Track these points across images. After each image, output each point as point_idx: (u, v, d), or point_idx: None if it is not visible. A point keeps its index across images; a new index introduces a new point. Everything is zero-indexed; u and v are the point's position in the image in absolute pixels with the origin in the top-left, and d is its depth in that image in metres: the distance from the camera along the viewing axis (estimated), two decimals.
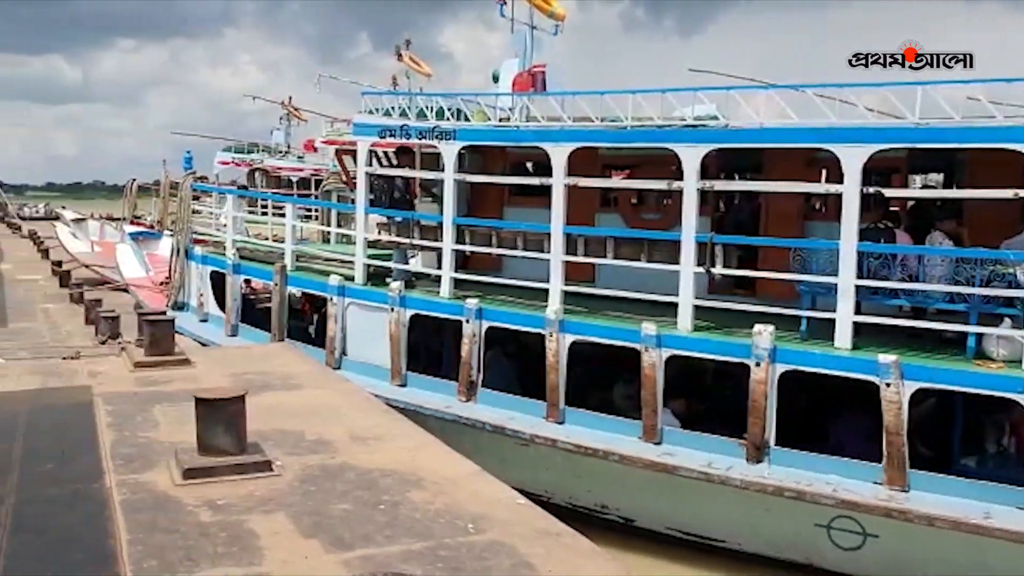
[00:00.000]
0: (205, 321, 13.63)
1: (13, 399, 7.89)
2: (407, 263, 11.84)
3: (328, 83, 20.99)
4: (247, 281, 13.81)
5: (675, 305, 9.21)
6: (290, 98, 31.21)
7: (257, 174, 27.86)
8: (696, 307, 9.13)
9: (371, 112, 11.72)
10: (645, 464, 8.63)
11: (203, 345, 12.44)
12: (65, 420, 7.18)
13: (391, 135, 11.24)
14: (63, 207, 55.51)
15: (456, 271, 10.95)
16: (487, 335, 10.19)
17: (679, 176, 9.32)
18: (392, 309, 10.76)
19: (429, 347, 11.53)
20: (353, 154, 16.81)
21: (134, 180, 25.45)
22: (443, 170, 10.86)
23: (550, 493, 9.29)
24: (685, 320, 9.04)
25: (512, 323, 10.05)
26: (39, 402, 7.83)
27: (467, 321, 10.13)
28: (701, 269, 9.00)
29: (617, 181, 11.36)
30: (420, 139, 11.10)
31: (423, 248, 11.58)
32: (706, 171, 9.13)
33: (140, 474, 5.65)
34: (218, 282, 13.42)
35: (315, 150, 28.52)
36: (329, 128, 19.73)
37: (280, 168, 28.31)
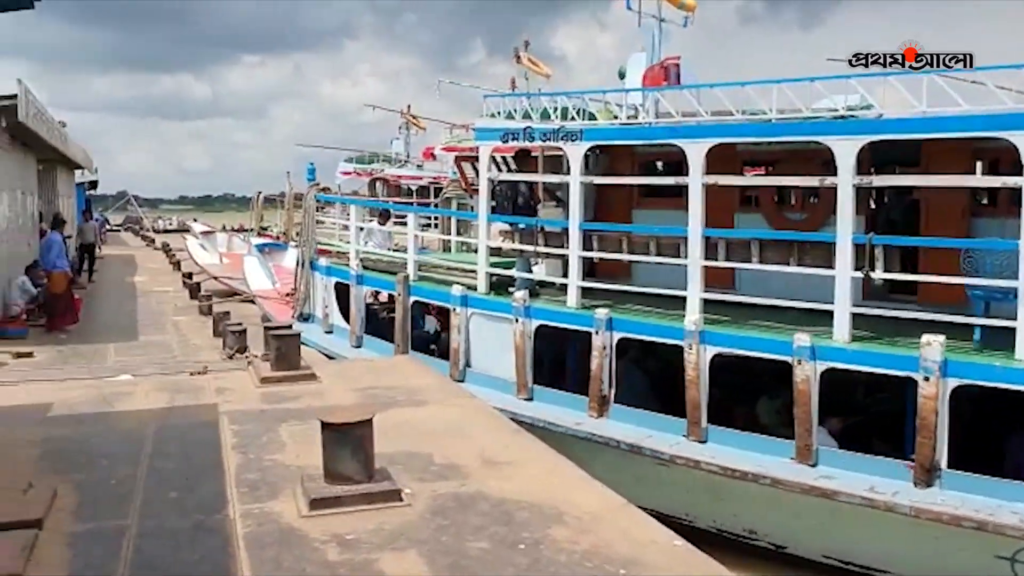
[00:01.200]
0: (330, 332, 13.54)
1: (141, 418, 7.83)
2: (531, 272, 11.40)
3: (445, 91, 20.86)
4: (376, 292, 13.71)
5: (821, 313, 8.41)
6: (408, 107, 31.37)
7: (378, 184, 28.07)
8: (851, 315, 8.29)
9: (493, 116, 11.34)
10: (801, 488, 7.86)
11: (328, 358, 12.31)
12: (191, 441, 7.01)
13: (514, 138, 10.82)
14: (194, 219, 57.80)
15: (583, 279, 10.45)
16: (618, 347, 9.62)
17: (826, 171, 8.52)
18: (516, 320, 10.32)
19: (554, 357, 11.06)
20: (472, 160, 16.58)
21: (260, 193, 26.14)
22: (568, 173, 10.35)
23: (692, 517, 8.65)
24: (842, 330, 8.20)
25: (646, 334, 9.44)
26: (166, 421, 7.73)
27: (596, 332, 9.57)
28: (859, 273, 8.16)
29: (763, 179, 10.56)
30: (544, 141, 10.65)
31: (548, 256, 11.11)
32: (859, 165, 8.29)
33: (265, 503, 5.36)
34: (342, 293, 13.32)
35: (433, 158, 28.45)
36: (448, 135, 19.48)
37: (400, 177, 28.39)
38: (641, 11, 12.20)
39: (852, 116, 8.52)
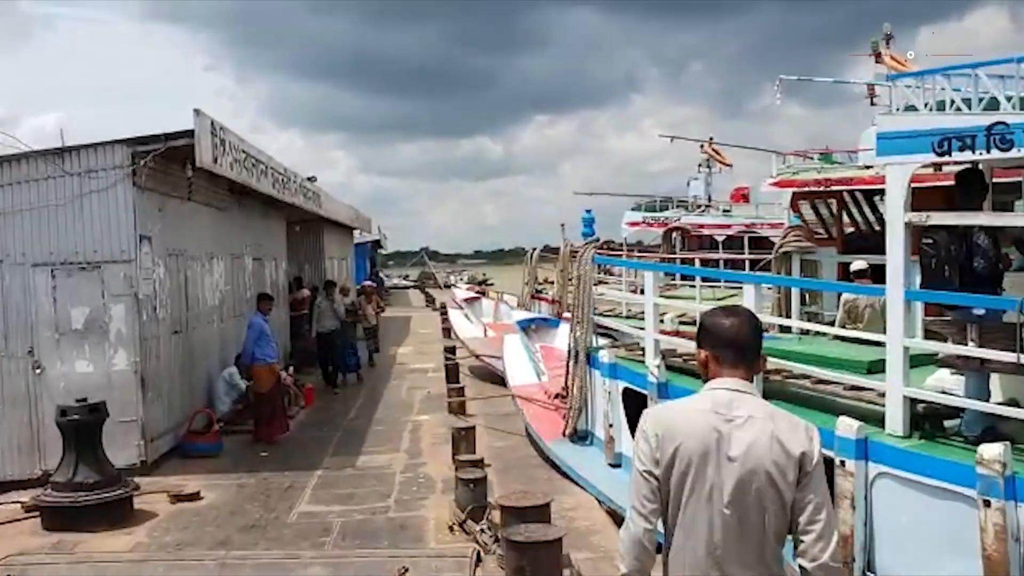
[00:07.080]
0: (617, 467, 8.85)
1: None
2: (989, 397, 6.04)
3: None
4: None
5: None
6: (711, 139, 26.14)
7: (674, 235, 23.13)
8: None
9: (907, 111, 6.30)
10: None
11: (610, 514, 7.72)
12: None
13: (962, 147, 5.68)
14: (484, 275, 55.89)
15: None
16: None
17: None
18: (985, 502, 5.09)
19: None
20: (818, 198, 11.57)
21: (535, 249, 22.33)
22: None
23: None
24: None
25: None
26: None
27: None
28: None
29: None
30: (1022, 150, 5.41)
31: None
32: None
33: None
34: (636, 404, 8.62)
35: (745, 200, 23.19)
36: (782, 165, 14.45)
37: (702, 226, 23.23)
38: None
39: None
